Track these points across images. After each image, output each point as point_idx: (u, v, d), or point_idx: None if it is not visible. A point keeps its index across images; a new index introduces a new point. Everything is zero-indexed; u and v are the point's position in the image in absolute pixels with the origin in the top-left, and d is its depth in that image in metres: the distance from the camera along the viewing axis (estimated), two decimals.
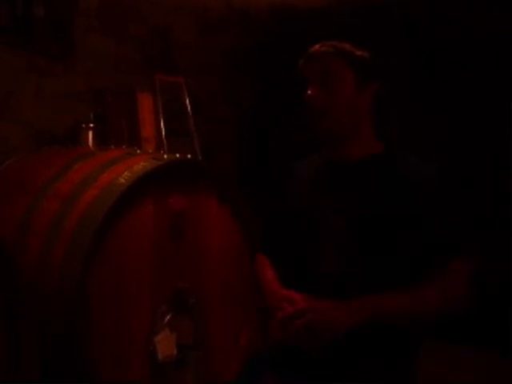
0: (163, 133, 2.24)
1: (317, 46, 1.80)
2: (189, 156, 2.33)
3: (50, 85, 2.96)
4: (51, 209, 2.06)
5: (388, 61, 4.04)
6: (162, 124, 2.27)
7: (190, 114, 2.45)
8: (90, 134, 2.47)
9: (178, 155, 2.25)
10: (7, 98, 2.83)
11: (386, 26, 4.03)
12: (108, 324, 1.98)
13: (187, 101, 2.40)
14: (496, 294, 3.78)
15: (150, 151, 2.41)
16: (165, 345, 2.08)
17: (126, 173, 2.04)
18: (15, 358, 1.79)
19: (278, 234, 1.88)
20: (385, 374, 1.66)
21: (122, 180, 2.01)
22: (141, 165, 2.07)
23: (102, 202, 1.97)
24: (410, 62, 4.05)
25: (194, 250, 2.23)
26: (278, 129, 4.36)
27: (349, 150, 1.79)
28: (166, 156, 2.18)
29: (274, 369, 1.86)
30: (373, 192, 1.71)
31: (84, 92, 2.96)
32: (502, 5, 3.68)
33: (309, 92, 1.76)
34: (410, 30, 3.98)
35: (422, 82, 4.03)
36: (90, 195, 2.02)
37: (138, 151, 2.30)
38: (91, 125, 2.49)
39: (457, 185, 4.00)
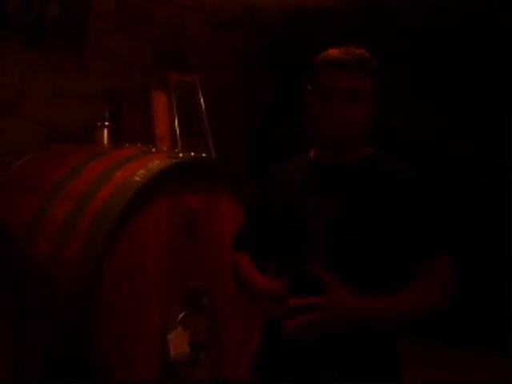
0: (177, 131, 2.24)
1: (345, 55, 1.71)
2: (203, 155, 2.33)
3: (64, 83, 2.97)
4: (65, 207, 2.06)
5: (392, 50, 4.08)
6: (176, 122, 2.27)
7: (204, 112, 2.45)
8: (105, 132, 2.47)
9: (192, 154, 2.26)
10: (21, 96, 2.84)
11: (391, 18, 4.03)
12: (120, 320, 1.98)
13: (201, 99, 2.40)
14: (496, 294, 3.78)
15: (165, 149, 2.41)
16: (177, 343, 2.08)
17: (140, 171, 2.04)
18: (22, 354, 1.79)
19: (261, 234, 1.89)
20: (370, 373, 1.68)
21: (137, 178, 2.02)
22: (156, 163, 2.08)
23: (117, 200, 1.98)
24: (414, 51, 4.05)
25: (207, 249, 2.23)
26: (287, 126, 4.36)
27: (345, 153, 1.80)
28: (180, 155, 2.19)
29: (260, 369, 1.86)
30: (357, 193, 1.73)
31: (98, 90, 2.97)
32: None
33: (332, 105, 1.73)
34: (413, 21, 3.96)
35: (426, 71, 4.03)
36: (105, 193, 2.03)
37: (153, 149, 2.31)
38: (106, 123, 2.49)
39: (460, 173, 4.02)
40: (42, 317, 1.83)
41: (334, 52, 1.75)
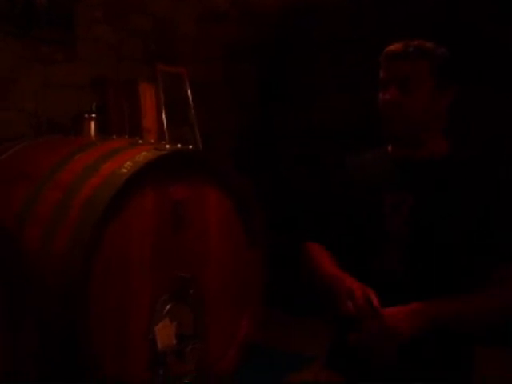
0: (164, 123, 2.25)
1: (401, 46, 1.73)
2: (190, 146, 2.34)
3: (53, 74, 2.97)
4: (53, 197, 2.07)
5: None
6: (163, 114, 2.28)
7: (192, 104, 2.46)
8: (92, 124, 2.48)
9: (179, 145, 2.27)
10: (9, 86, 2.84)
11: (384, 13, 4.02)
12: (109, 311, 1.99)
13: (188, 91, 2.41)
14: None
15: (152, 141, 2.42)
16: (164, 334, 2.10)
17: (128, 163, 2.05)
18: (14, 347, 1.79)
19: (330, 225, 1.87)
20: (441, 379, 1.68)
21: (124, 170, 2.02)
22: (142, 155, 2.08)
23: (104, 192, 1.98)
24: None
25: (194, 240, 2.24)
26: (279, 118, 4.36)
27: (417, 150, 1.78)
28: (167, 146, 2.20)
29: (330, 366, 1.86)
30: (438, 193, 1.70)
31: (86, 81, 2.97)
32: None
33: (386, 94, 1.71)
34: (408, 15, 3.93)
35: None
36: (92, 184, 2.03)
37: (140, 141, 2.31)
38: (93, 115, 2.50)
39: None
40: (34, 310, 1.84)
41: (391, 45, 1.76)
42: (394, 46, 1.75)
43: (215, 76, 3.91)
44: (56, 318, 1.87)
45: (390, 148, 1.87)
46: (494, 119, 3.65)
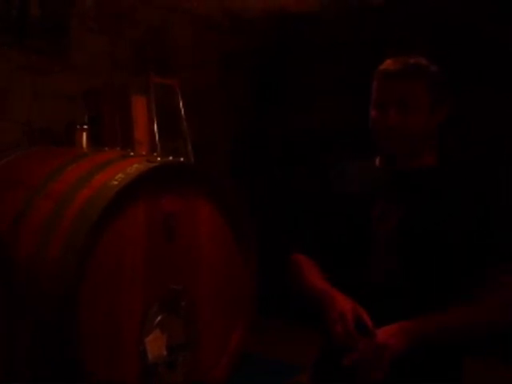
0: (156, 135, 2.27)
1: (397, 65, 1.72)
2: (182, 159, 2.36)
3: (45, 84, 2.98)
4: (46, 207, 2.08)
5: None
6: (155, 126, 2.30)
7: (184, 116, 2.47)
8: (85, 135, 2.49)
9: (171, 158, 2.28)
10: (1, 97, 2.84)
11: (375, 27, 4.03)
12: (101, 316, 2.01)
13: (181, 103, 2.43)
14: None
15: (144, 153, 2.43)
16: (155, 346, 2.11)
17: (119, 174, 2.06)
18: (8, 354, 1.80)
19: (320, 235, 1.87)
20: None
21: (115, 182, 2.03)
22: (134, 167, 2.10)
23: (95, 203, 1.99)
24: (398, 54, 3.97)
25: (185, 252, 2.26)
26: (276, 120, 4.36)
27: (408, 162, 1.79)
28: (159, 159, 2.21)
29: (316, 378, 1.87)
30: (429, 201, 1.71)
31: (79, 91, 2.98)
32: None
33: (386, 119, 1.71)
34: (397, 24, 3.93)
35: None
36: (84, 195, 2.05)
37: (132, 153, 2.33)
38: (85, 126, 2.51)
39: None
40: (28, 315, 1.85)
41: (386, 62, 1.75)
42: (390, 65, 1.73)
43: (210, 80, 3.92)
44: (50, 320, 1.88)
45: (378, 159, 1.89)
46: (493, 119, 3.63)
